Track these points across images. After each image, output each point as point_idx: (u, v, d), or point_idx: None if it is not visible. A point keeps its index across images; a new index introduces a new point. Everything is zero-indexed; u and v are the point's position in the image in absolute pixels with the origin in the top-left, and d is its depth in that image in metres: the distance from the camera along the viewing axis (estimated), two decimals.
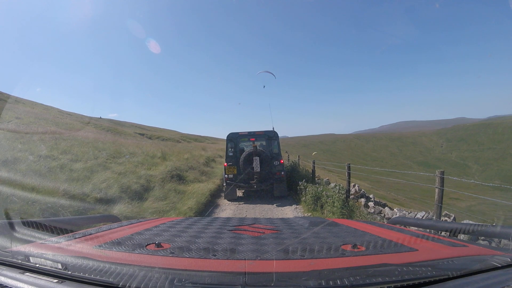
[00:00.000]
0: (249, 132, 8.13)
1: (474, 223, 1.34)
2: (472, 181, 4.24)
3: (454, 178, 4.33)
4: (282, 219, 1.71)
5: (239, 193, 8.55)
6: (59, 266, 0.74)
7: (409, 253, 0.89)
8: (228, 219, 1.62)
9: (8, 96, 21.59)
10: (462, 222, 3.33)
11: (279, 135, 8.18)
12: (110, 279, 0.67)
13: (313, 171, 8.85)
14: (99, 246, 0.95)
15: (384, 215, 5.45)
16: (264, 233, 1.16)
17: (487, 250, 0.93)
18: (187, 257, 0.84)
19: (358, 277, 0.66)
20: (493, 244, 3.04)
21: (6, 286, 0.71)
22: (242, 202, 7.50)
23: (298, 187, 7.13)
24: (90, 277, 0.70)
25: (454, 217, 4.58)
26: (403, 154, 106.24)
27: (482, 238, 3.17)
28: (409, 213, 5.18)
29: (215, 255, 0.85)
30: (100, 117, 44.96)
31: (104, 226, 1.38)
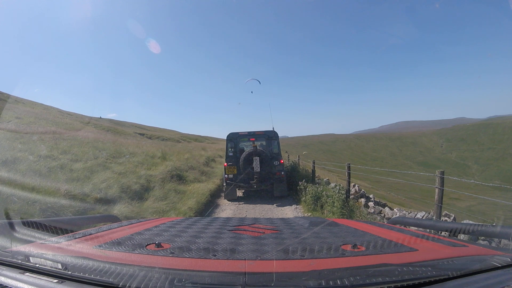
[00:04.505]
0: (249, 132, 8.13)
1: (474, 223, 1.34)
2: (472, 181, 4.24)
3: (454, 178, 4.33)
4: (282, 219, 1.71)
5: (239, 193, 8.55)
6: (59, 266, 0.74)
7: (409, 253, 0.89)
8: (228, 219, 1.62)
9: (8, 96, 21.56)
10: (462, 222, 3.33)
11: (279, 135, 8.18)
12: (110, 279, 0.67)
13: (313, 171, 8.85)
14: (99, 246, 0.95)
15: (384, 215, 5.45)
16: (264, 233, 1.16)
17: (487, 250, 0.93)
18: (187, 257, 0.84)
19: (358, 277, 0.66)
20: (493, 244, 3.04)
21: (6, 286, 0.71)
22: (242, 202, 7.50)
23: (298, 187, 7.12)
24: (90, 277, 0.70)
25: (454, 217, 4.58)
26: (403, 154, 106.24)
27: (482, 238, 3.17)
28: (409, 213, 5.18)
29: (215, 255, 0.85)
30: (100, 117, 44.93)
31: (104, 226, 1.37)
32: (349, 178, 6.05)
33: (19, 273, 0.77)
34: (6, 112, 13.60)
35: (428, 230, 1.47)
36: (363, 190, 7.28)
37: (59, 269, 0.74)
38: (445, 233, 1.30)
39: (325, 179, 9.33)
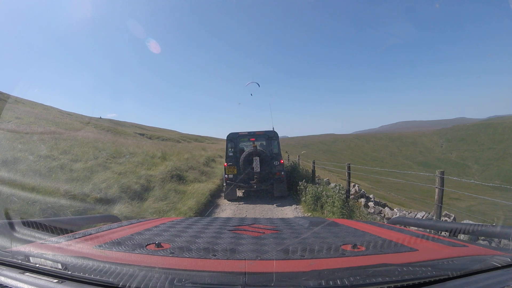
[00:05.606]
0: (249, 132, 8.13)
1: (474, 223, 1.34)
2: (472, 181, 4.25)
3: (454, 178, 4.33)
4: (282, 219, 1.71)
5: (239, 193, 8.55)
6: (59, 266, 0.74)
7: (409, 253, 0.89)
8: (228, 219, 1.62)
9: (8, 96, 21.57)
10: (462, 222, 3.33)
11: (279, 135, 8.18)
12: (110, 279, 0.67)
13: (313, 171, 8.85)
14: (99, 246, 0.95)
15: (384, 215, 5.45)
16: (264, 233, 1.16)
17: (487, 250, 0.93)
18: (187, 257, 0.84)
19: (358, 277, 0.66)
20: (493, 244, 3.04)
21: (6, 286, 0.71)
22: (242, 202, 7.50)
23: (298, 187, 7.12)
24: (90, 277, 0.70)
25: (454, 217, 4.58)
26: (403, 154, 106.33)
27: (482, 238, 3.17)
28: (409, 213, 5.18)
29: (215, 255, 0.85)
30: (100, 117, 44.95)
31: (104, 226, 1.38)
32: (349, 178, 6.05)
33: (19, 273, 0.77)
34: (6, 112, 13.61)
35: (428, 230, 1.47)
36: (363, 190, 7.28)
37: (59, 269, 0.74)
38: (445, 233, 1.30)
39: (325, 179, 9.33)
